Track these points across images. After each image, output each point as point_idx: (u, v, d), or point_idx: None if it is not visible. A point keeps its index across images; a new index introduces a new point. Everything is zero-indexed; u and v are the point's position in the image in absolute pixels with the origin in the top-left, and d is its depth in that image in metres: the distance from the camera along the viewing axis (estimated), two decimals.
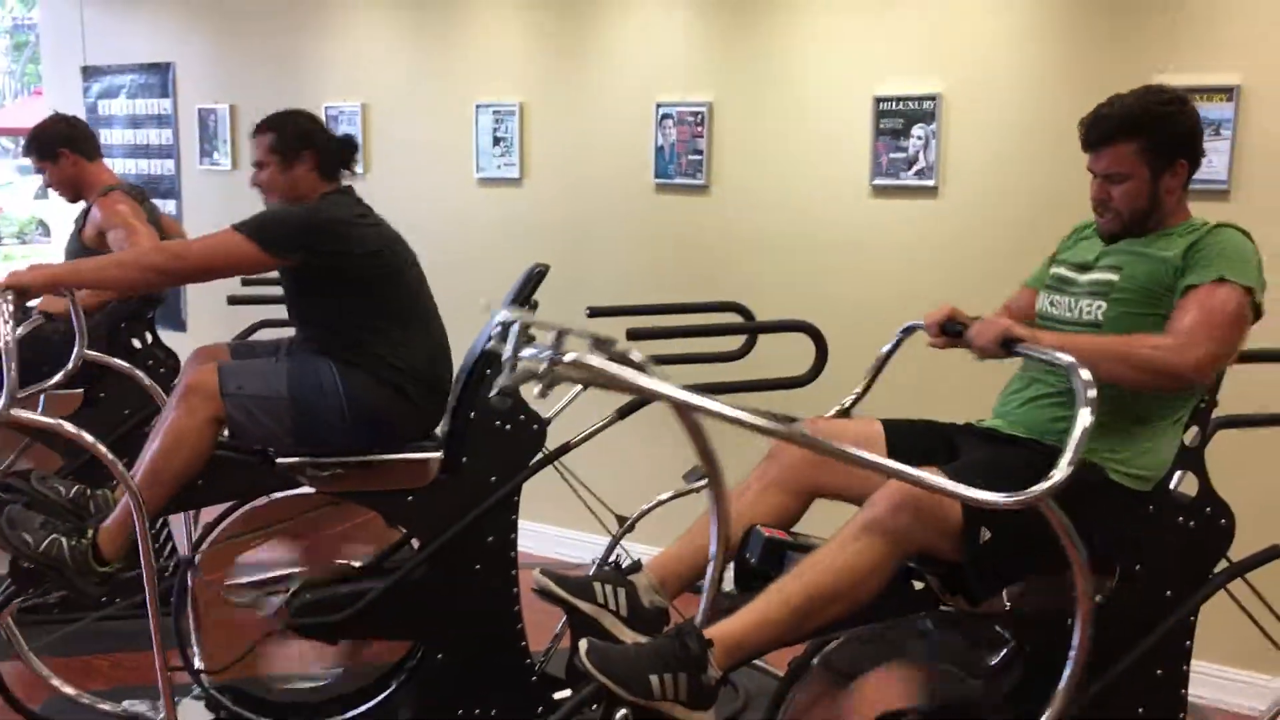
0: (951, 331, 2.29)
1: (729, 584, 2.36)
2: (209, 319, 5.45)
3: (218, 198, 5.96)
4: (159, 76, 6.20)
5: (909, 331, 2.64)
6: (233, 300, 3.99)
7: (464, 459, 2.99)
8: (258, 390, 2.89)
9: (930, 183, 3.93)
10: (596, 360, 1.78)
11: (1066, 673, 2.07)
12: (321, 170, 3.12)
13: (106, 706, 3.31)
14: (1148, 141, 2.25)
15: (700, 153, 4.40)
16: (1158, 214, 2.30)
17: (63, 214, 5.16)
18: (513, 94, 4.85)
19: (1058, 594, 2.20)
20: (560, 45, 4.75)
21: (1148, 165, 2.26)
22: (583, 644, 1.89)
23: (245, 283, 4.14)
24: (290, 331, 3.37)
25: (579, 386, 3.19)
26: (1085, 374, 1.88)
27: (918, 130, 3.92)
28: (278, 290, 3.78)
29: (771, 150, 4.28)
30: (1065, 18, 3.74)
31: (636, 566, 2.29)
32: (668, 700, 1.88)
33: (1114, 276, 2.30)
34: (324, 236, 2.93)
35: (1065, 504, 2.16)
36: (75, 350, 3.20)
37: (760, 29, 4.28)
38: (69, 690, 3.37)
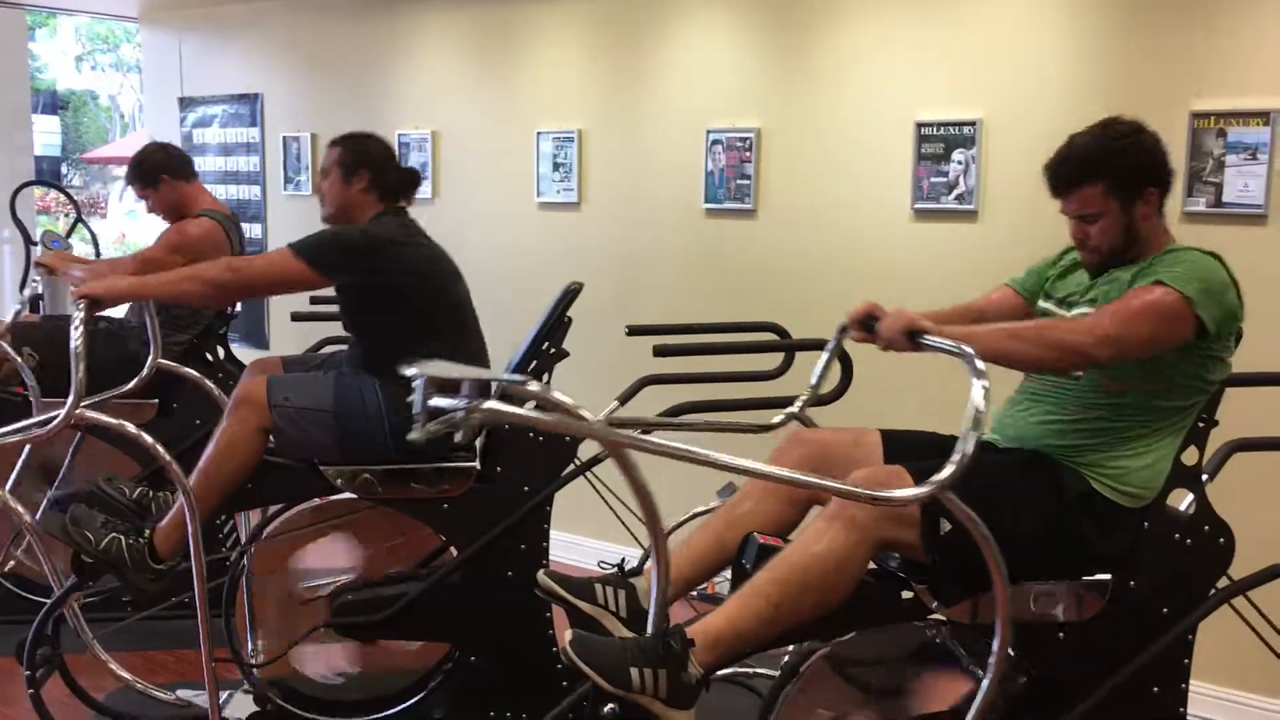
0: (867, 327, 2.30)
1: (726, 589, 2.45)
2: (288, 335, 5.68)
3: (300, 222, 6.22)
4: (249, 106, 6.50)
5: (844, 330, 2.48)
6: (296, 317, 4.15)
7: (498, 469, 3.14)
8: (303, 402, 3.02)
9: (970, 207, 3.97)
10: (507, 407, 1.76)
11: (985, 682, 2.09)
12: (378, 193, 3.24)
13: (160, 695, 3.47)
14: (1112, 179, 2.29)
15: (748, 177, 4.50)
16: (1136, 246, 2.33)
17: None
18: (572, 121, 5.01)
19: (1055, 605, 2.25)
20: (616, 75, 4.90)
21: (1117, 200, 2.29)
22: (568, 633, 1.99)
23: (312, 300, 4.35)
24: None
25: (615, 402, 3.32)
26: (979, 363, 1.91)
27: (958, 155, 3.96)
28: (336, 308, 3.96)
29: (816, 175, 4.36)
30: (1102, 45, 3.76)
31: (638, 570, 2.38)
32: (647, 695, 1.94)
33: (1092, 310, 2.33)
34: (371, 257, 3.04)
35: (1048, 515, 2.22)
36: (149, 360, 3.46)
37: (805, 58, 4.37)
38: (125, 675, 3.50)
